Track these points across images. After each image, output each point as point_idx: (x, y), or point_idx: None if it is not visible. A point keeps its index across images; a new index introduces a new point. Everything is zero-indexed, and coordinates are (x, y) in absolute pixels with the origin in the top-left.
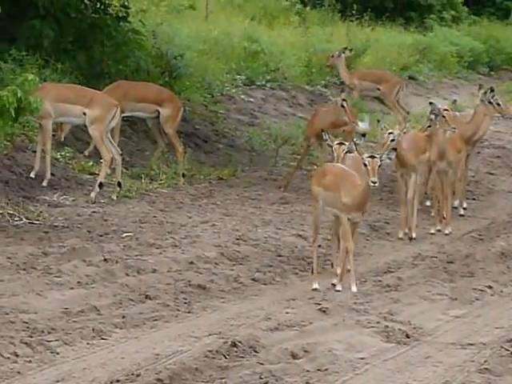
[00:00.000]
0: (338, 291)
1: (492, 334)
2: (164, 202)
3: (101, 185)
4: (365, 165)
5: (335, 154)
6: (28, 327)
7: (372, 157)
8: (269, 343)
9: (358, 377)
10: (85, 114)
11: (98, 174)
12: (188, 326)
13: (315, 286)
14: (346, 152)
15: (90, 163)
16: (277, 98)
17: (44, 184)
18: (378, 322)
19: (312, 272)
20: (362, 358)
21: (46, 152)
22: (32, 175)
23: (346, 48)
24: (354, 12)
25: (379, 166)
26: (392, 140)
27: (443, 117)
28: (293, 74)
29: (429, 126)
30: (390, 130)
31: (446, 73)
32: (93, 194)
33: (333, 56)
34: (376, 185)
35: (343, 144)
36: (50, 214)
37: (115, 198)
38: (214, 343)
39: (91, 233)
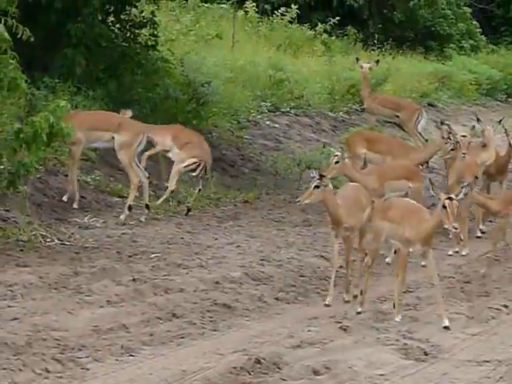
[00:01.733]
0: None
1: (507, 352)
2: (191, 224)
3: (130, 207)
4: (444, 207)
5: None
6: (59, 344)
7: (450, 198)
8: (291, 360)
9: None
10: (113, 138)
11: (127, 197)
12: (213, 343)
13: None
14: (316, 187)
15: (119, 186)
16: (301, 124)
17: (75, 206)
18: (397, 340)
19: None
20: (382, 375)
21: (72, 176)
22: (64, 199)
23: (377, 61)
24: (375, 41)
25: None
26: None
27: (457, 142)
28: (316, 101)
29: (452, 149)
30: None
31: (465, 100)
32: (122, 217)
33: (362, 67)
34: (457, 231)
35: (323, 177)
36: (80, 236)
37: (144, 219)
38: (239, 360)
39: (120, 254)
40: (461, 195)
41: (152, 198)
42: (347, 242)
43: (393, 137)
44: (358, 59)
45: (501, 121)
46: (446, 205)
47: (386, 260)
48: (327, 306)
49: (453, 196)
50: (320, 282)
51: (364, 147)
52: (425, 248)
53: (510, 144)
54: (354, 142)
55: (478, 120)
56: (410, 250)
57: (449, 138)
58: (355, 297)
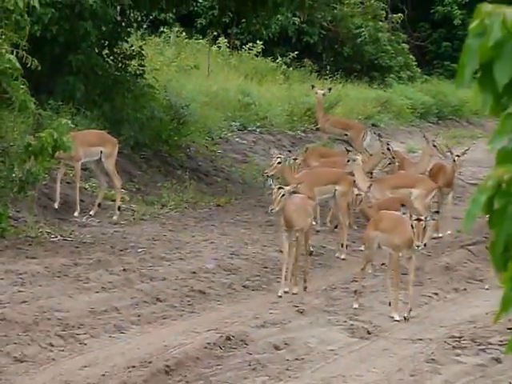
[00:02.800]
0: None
1: (437, 332)
2: (172, 224)
3: (119, 208)
4: (412, 227)
5: (273, 197)
6: (61, 323)
7: (418, 220)
8: (256, 337)
9: (329, 365)
10: (101, 152)
11: (119, 201)
12: (191, 323)
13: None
14: (283, 195)
15: (112, 192)
16: (265, 141)
17: (76, 212)
18: (344, 321)
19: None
20: (332, 350)
21: (76, 184)
22: (56, 206)
23: (330, 89)
24: (328, 72)
25: (424, 228)
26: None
27: (393, 157)
28: (278, 121)
29: (389, 163)
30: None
31: (403, 121)
32: (115, 217)
33: (317, 93)
34: (420, 249)
35: (282, 188)
36: (79, 233)
37: (115, 218)
38: (212, 337)
39: (113, 248)
40: (429, 217)
41: (140, 202)
42: (297, 242)
43: (341, 152)
44: (313, 86)
45: (434, 141)
46: (413, 225)
47: (336, 255)
48: (280, 297)
49: (421, 218)
50: (280, 273)
51: (317, 161)
52: (409, 252)
53: (454, 160)
54: (310, 156)
55: (426, 138)
56: (400, 254)
57: (388, 150)
58: (305, 288)
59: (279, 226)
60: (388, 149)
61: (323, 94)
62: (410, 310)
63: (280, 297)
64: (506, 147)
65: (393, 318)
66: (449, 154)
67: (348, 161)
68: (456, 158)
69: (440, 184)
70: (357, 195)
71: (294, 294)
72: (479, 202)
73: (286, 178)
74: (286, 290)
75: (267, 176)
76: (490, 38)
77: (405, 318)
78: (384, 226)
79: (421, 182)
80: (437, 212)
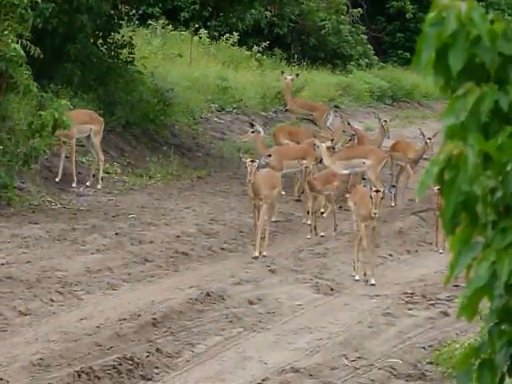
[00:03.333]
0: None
1: (392, 289)
2: (159, 194)
3: (102, 178)
4: (370, 197)
5: (248, 170)
6: (61, 281)
7: (377, 191)
8: (233, 293)
9: (297, 318)
10: (91, 129)
11: (112, 173)
12: (175, 281)
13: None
14: (257, 168)
15: (106, 166)
16: (240, 121)
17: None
18: (311, 279)
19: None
20: (299, 305)
21: (71, 159)
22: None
23: (297, 74)
24: (295, 59)
25: (381, 199)
26: (252, 132)
27: (353, 134)
28: (252, 103)
29: (349, 140)
30: (251, 159)
31: (362, 103)
32: (99, 186)
33: (286, 78)
34: (376, 216)
35: (254, 161)
36: (77, 201)
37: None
38: (194, 293)
39: (106, 215)
40: (386, 190)
41: (130, 174)
42: (261, 210)
43: (307, 129)
44: (282, 72)
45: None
46: (372, 195)
47: (302, 221)
48: (256, 257)
49: (379, 189)
50: (254, 237)
51: (286, 138)
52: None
53: (426, 142)
54: (279, 134)
55: (378, 118)
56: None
57: (349, 125)
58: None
59: (248, 196)
60: (348, 124)
61: (291, 80)
62: (373, 270)
63: (256, 258)
64: (453, 124)
65: (354, 277)
66: (422, 136)
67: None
68: (428, 141)
69: (407, 159)
70: (305, 167)
71: (264, 256)
72: (432, 174)
73: (257, 148)
74: (257, 254)
75: (243, 155)
76: (446, 28)
77: (365, 275)
78: (356, 199)
79: (373, 153)
80: (393, 186)
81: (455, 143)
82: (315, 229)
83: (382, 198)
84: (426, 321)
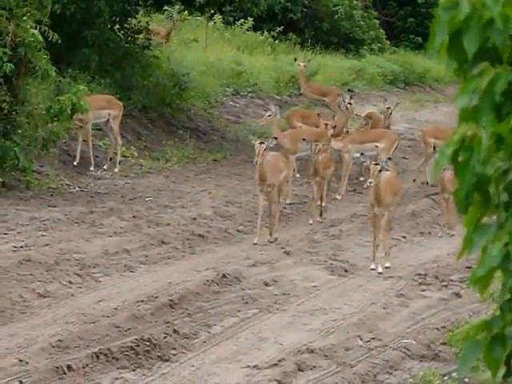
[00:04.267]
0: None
1: (406, 270)
2: (175, 176)
3: (120, 162)
4: (368, 169)
5: (256, 152)
6: (79, 263)
7: (376, 164)
8: (248, 275)
9: (311, 299)
10: (109, 114)
11: (129, 156)
12: (191, 263)
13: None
14: (265, 150)
15: (123, 149)
16: (255, 104)
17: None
18: (325, 261)
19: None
20: (314, 286)
21: (88, 143)
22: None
23: (309, 60)
24: (309, 44)
25: (380, 171)
26: (269, 115)
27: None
28: (266, 87)
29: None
30: (261, 141)
31: (374, 87)
32: (116, 169)
33: (299, 65)
34: (371, 185)
35: (263, 143)
36: (94, 184)
37: (106, 168)
38: (210, 275)
39: (124, 197)
40: (384, 164)
41: (147, 158)
42: (269, 195)
43: (319, 113)
44: (295, 59)
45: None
46: (370, 167)
47: (317, 203)
48: (255, 244)
49: (378, 162)
50: (268, 220)
51: (299, 121)
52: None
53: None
54: (293, 117)
55: (386, 101)
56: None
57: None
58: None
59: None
60: (350, 103)
61: (304, 66)
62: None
63: (255, 244)
64: (466, 106)
65: (372, 268)
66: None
67: (269, 115)
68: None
69: None
70: (315, 146)
71: (275, 239)
72: (446, 155)
73: (272, 131)
74: (256, 241)
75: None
76: (459, 12)
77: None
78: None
79: (385, 136)
80: (389, 158)
81: (469, 125)
82: (321, 214)
83: (380, 170)
84: (438, 302)
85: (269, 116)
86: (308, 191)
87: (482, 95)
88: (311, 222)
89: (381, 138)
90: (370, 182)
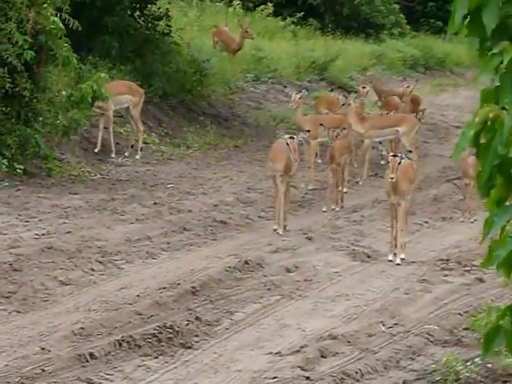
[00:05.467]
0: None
1: (428, 255)
2: (196, 163)
3: (141, 148)
4: (388, 162)
5: (291, 147)
6: (101, 250)
7: (394, 156)
8: (270, 261)
9: (333, 285)
10: (130, 100)
11: (150, 143)
12: (213, 249)
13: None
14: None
15: (144, 136)
16: (275, 90)
17: (113, 155)
18: (347, 247)
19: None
20: (336, 272)
21: (109, 130)
22: (96, 150)
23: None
24: (329, 29)
25: (399, 164)
26: (299, 98)
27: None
28: (286, 72)
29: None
30: (290, 136)
31: (395, 72)
32: (138, 156)
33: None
34: (393, 180)
35: (293, 138)
36: (116, 171)
37: (127, 155)
38: (232, 261)
39: (145, 184)
40: (404, 155)
41: (169, 144)
42: (287, 185)
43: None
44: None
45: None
46: (389, 159)
47: (339, 188)
48: (277, 232)
49: (397, 154)
50: (291, 205)
51: (325, 107)
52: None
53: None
54: (319, 103)
55: (405, 79)
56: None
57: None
58: (285, 227)
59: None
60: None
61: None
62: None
63: (277, 233)
64: (487, 88)
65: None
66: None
67: (300, 98)
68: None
69: None
70: (333, 133)
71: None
72: (467, 136)
73: (295, 116)
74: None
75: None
76: None
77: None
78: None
79: (405, 120)
80: (410, 151)
81: (491, 106)
82: (341, 201)
83: (400, 162)
84: (461, 287)
85: (299, 98)
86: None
87: (503, 75)
88: (325, 209)
89: (401, 122)
90: (392, 178)
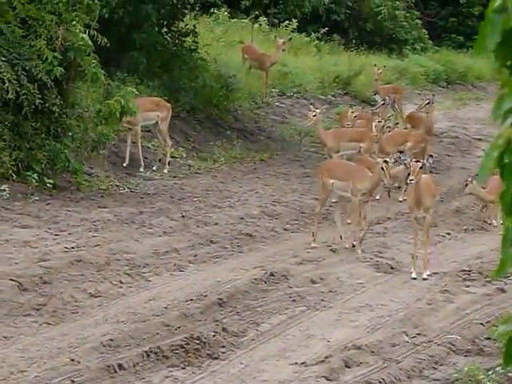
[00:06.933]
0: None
1: (450, 266)
2: (223, 176)
3: (169, 163)
4: (406, 166)
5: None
6: (129, 263)
7: (417, 161)
8: (296, 273)
9: (357, 296)
10: (158, 116)
11: (177, 157)
12: (240, 261)
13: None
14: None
15: (172, 150)
16: (300, 105)
17: (141, 167)
18: (371, 258)
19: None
20: (360, 283)
21: (137, 144)
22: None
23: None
24: (353, 45)
25: (420, 168)
26: (314, 115)
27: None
28: (311, 87)
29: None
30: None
31: (417, 86)
32: (165, 170)
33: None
34: (412, 182)
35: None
36: (144, 185)
37: (156, 169)
38: (258, 273)
39: (173, 198)
40: (425, 161)
41: (195, 158)
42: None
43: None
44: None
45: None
46: (409, 165)
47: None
48: (314, 247)
49: (420, 160)
50: (315, 217)
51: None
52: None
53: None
54: (344, 117)
55: (433, 95)
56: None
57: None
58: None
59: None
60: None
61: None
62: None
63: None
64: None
65: (411, 274)
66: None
67: (314, 115)
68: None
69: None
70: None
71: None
72: (492, 157)
73: (317, 130)
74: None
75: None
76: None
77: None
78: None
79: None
80: (431, 156)
81: None
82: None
83: (421, 167)
84: (483, 297)
85: (314, 116)
86: None
87: None
88: (349, 221)
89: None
90: (411, 180)
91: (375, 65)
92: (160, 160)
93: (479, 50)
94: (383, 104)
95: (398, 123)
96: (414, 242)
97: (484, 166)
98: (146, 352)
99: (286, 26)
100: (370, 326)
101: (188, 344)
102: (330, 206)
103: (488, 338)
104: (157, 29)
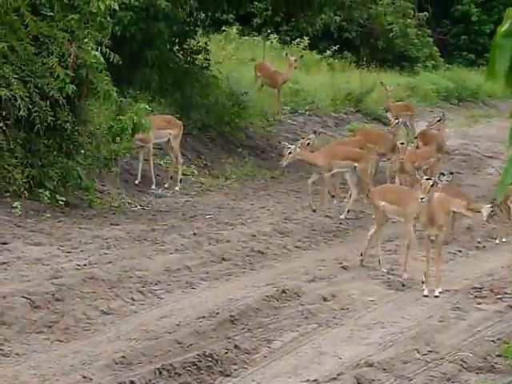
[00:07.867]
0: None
1: (461, 283)
2: (234, 194)
3: (181, 180)
4: (420, 184)
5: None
6: (141, 280)
7: (428, 179)
8: (307, 290)
9: (369, 313)
10: (170, 134)
11: (189, 175)
12: (251, 279)
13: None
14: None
15: (184, 167)
16: (312, 122)
17: (153, 186)
18: (382, 275)
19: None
20: (372, 301)
21: (149, 162)
22: (137, 182)
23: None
24: (364, 62)
25: (432, 186)
26: (289, 153)
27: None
28: (323, 105)
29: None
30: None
31: (429, 103)
32: (177, 188)
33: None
34: (423, 201)
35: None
36: (156, 202)
37: (167, 186)
38: (270, 291)
39: (185, 215)
40: (437, 179)
41: (207, 176)
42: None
43: (379, 130)
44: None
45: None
46: (422, 182)
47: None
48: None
49: (431, 178)
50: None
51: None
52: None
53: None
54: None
55: (443, 114)
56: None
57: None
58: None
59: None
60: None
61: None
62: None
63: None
64: None
65: (423, 291)
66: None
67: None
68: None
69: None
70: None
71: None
72: (510, 173)
73: (306, 160)
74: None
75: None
76: None
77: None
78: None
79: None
80: (442, 174)
81: None
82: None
83: (432, 185)
84: (494, 314)
85: (289, 154)
86: (364, 206)
87: None
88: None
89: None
90: (422, 198)
91: (381, 83)
92: (172, 177)
93: (490, 75)
94: (397, 123)
95: (412, 141)
96: (426, 260)
97: (503, 181)
98: (158, 369)
99: (297, 44)
100: (382, 343)
101: (200, 361)
102: (341, 223)
103: (499, 355)
104: (169, 46)
